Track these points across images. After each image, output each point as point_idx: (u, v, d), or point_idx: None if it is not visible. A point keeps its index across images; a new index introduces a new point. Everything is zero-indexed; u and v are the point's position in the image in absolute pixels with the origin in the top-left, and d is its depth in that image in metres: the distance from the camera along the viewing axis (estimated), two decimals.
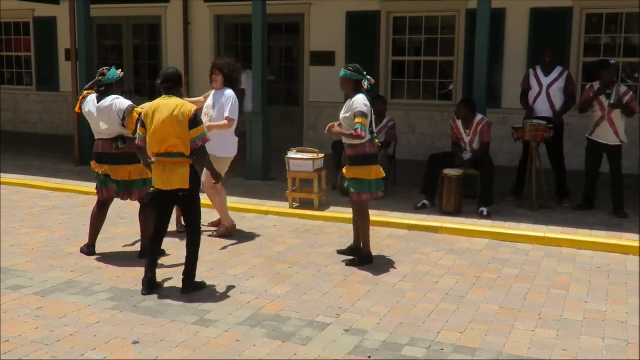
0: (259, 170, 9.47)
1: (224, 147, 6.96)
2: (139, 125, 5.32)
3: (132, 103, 5.89)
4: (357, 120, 5.70)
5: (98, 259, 6.10)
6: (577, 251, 6.53)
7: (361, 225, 6.09)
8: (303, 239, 6.93)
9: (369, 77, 5.91)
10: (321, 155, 8.05)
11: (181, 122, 5.08)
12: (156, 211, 5.37)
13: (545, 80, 8.09)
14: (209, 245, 6.60)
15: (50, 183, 9.38)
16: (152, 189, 5.30)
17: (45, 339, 4.35)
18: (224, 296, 5.21)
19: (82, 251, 6.25)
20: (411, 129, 11.26)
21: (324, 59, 11.67)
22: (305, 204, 8.04)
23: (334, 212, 7.77)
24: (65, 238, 6.80)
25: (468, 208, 7.69)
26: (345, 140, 5.96)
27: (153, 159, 5.21)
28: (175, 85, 5.31)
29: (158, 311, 4.88)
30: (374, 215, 7.03)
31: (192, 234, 5.30)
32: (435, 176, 7.83)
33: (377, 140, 5.97)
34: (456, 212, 7.57)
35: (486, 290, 5.42)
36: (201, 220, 5.42)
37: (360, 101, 5.79)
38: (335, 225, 7.45)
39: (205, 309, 4.94)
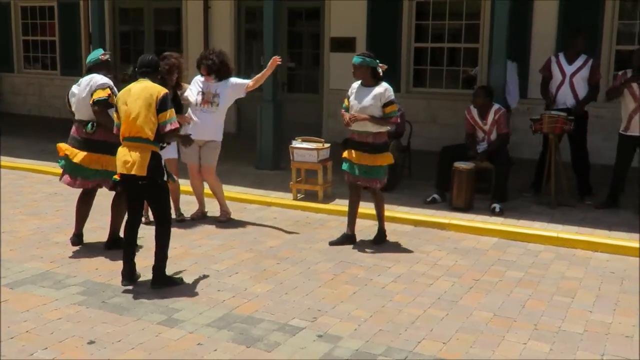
0: (268, 160, 9.17)
1: (220, 131, 6.86)
2: (113, 112, 5.08)
3: (110, 82, 5.61)
4: (392, 107, 5.89)
5: (80, 250, 5.88)
6: (592, 254, 6.04)
7: (381, 207, 6.24)
8: (300, 233, 6.60)
9: (380, 64, 5.95)
10: (327, 145, 7.68)
11: (149, 105, 4.82)
12: (127, 200, 5.12)
13: (569, 69, 7.54)
14: (199, 237, 6.34)
15: (56, 169, 9.21)
16: (115, 176, 5.04)
17: None
18: (199, 293, 4.93)
19: (71, 240, 6.05)
20: (432, 119, 10.78)
21: (345, 45, 11.24)
22: (311, 196, 7.70)
23: (338, 204, 7.40)
24: (55, 226, 6.62)
25: (481, 204, 7.23)
26: (369, 129, 5.92)
27: None
28: (153, 71, 5.06)
29: (126, 308, 4.62)
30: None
31: (158, 226, 5.03)
32: (447, 169, 7.37)
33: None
34: (467, 208, 7.12)
35: (482, 296, 5.00)
36: (169, 211, 5.14)
37: (390, 89, 5.93)
38: (338, 218, 7.08)
39: (176, 307, 4.67)
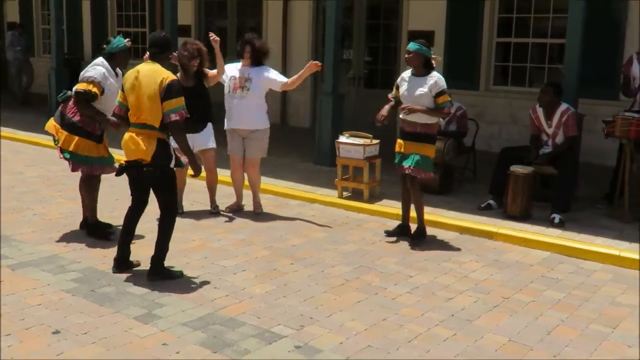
0: (326, 155, 8.77)
1: (265, 117, 6.59)
2: (119, 90, 4.87)
3: (97, 77, 5.41)
4: (444, 97, 5.67)
5: (101, 236, 5.72)
6: None
7: (419, 202, 5.92)
8: (332, 232, 6.17)
9: (434, 55, 5.81)
10: (375, 142, 7.18)
11: (153, 92, 4.55)
12: (131, 187, 4.90)
13: None
14: (222, 231, 6.06)
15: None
16: (122, 162, 4.82)
17: None
18: (191, 290, 4.62)
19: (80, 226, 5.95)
20: (513, 119, 9.95)
21: (422, 38, 10.53)
22: (358, 195, 7.24)
23: (383, 205, 6.90)
24: None
25: (541, 213, 6.48)
26: (416, 119, 5.72)
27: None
28: (162, 51, 4.79)
29: (110, 299, 4.40)
30: (428, 213, 6.18)
31: (162, 217, 4.77)
32: (504, 173, 6.66)
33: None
34: (523, 217, 6.40)
35: (504, 316, 4.37)
36: (175, 200, 4.86)
37: (442, 79, 5.72)
38: (379, 220, 6.59)
39: (161, 302, 4.39)
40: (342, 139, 7.23)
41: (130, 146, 4.63)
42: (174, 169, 4.80)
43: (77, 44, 15.77)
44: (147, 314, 4.19)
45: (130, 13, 15.09)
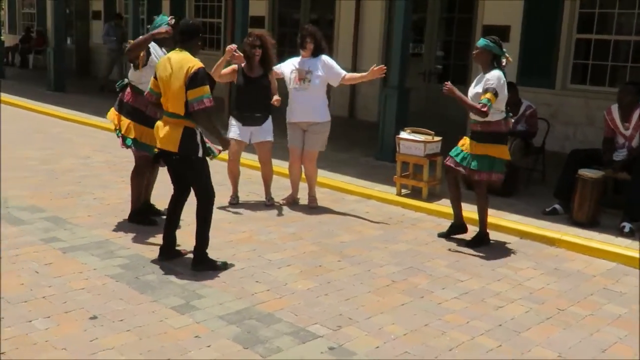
0: (389, 151, 8.55)
1: (326, 110, 6.45)
2: (152, 77, 4.86)
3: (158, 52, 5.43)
4: (486, 95, 5.29)
5: (139, 222, 5.71)
6: None
7: (482, 205, 5.63)
8: (385, 230, 6.00)
9: (507, 54, 5.47)
10: (437, 139, 6.94)
11: (179, 80, 4.53)
12: (170, 175, 4.90)
13: None
14: (274, 224, 5.99)
15: None
16: (156, 149, 4.83)
17: (15, 298, 4.10)
18: (233, 282, 4.57)
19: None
20: (589, 120, 9.44)
21: (497, 33, 9.93)
22: (417, 193, 7.03)
23: (442, 205, 6.66)
24: None
25: (611, 221, 6.09)
26: (475, 116, 5.44)
27: None
28: (190, 38, 4.74)
29: (151, 287, 4.41)
30: (488, 215, 5.90)
31: (198, 206, 4.74)
32: (572, 176, 6.30)
33: (511, 120, 5.63)
34: (590, 224, 6.03)
35: (557, 330, 4.10)
36: (211, 191, 4.79)
37: (495, 77, 5.35)
38: (435, 220, 6.37)
39: (201, 293, 4.36)
40: (403, 134, 7.03)
41: (159, 135, 4.64)
42: (207, 157, 4.77)
43: None
44: (185, 304, 4.16)
45: (207, 3, 15.29)
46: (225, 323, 3.93)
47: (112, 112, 5.69)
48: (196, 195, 4.76)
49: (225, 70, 6.36)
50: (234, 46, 6.15)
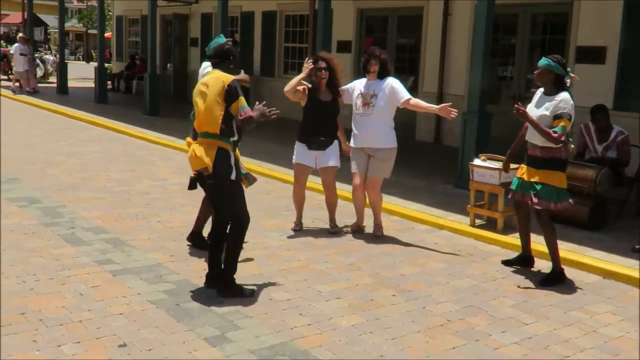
0: (467, 178, 8.11)
1: (392, 136, 6.18)
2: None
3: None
4: (561, 122, 4.98)
5: (196, 245, 5.64)
6: None
7: (549, 238, 5.21)
8: (451, 263, 5.60)
9: (572, 74, 5.18)
10: (514, 167, 6.43)
11: (215, 94, 4.44)
12: (210, 202, 4.79)
13: None
14: (333, 252, 5.74)
15: (276, 172, 8.92)
16: (192, 174, 4.71)
17: (53, 320, 4.07)
18: (275, 313, 4.34)
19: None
20: None
21: (592, 55, 9.57)
22: (492, 223, 6.57)
23: (518, 238, 6.15)
24: (210, 223, 6.55)
25: None
26: (535, 141, 5.16)
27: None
28: (222, 61, 4.68)
29: (190, 315, 4.26)
30: (568, 251, 5.49)
31: (230, 231, 4.59)
32: None
33: (571, 146, 5.28)
34: None
35: None
36: (244, 217, 4.62)
37: (568, 101, 5.05)
38: (509, 254, 5.88)
39: (239, 324, 4.16)
40: (477, 161, 6.61)
41: (194, 155, 4.52)
42: (241, 183, 4.64)
43: (249, 60, 16.29)
44: (219, 336, 3.97)
45: (296, 29, 15.40)
46: (255, 358, 3.71)
47: (188, 141, 5.66)
48: (230, 222, 4.60)
49: (297, 88, 6.17)
50: (310, 61, 6.04)
